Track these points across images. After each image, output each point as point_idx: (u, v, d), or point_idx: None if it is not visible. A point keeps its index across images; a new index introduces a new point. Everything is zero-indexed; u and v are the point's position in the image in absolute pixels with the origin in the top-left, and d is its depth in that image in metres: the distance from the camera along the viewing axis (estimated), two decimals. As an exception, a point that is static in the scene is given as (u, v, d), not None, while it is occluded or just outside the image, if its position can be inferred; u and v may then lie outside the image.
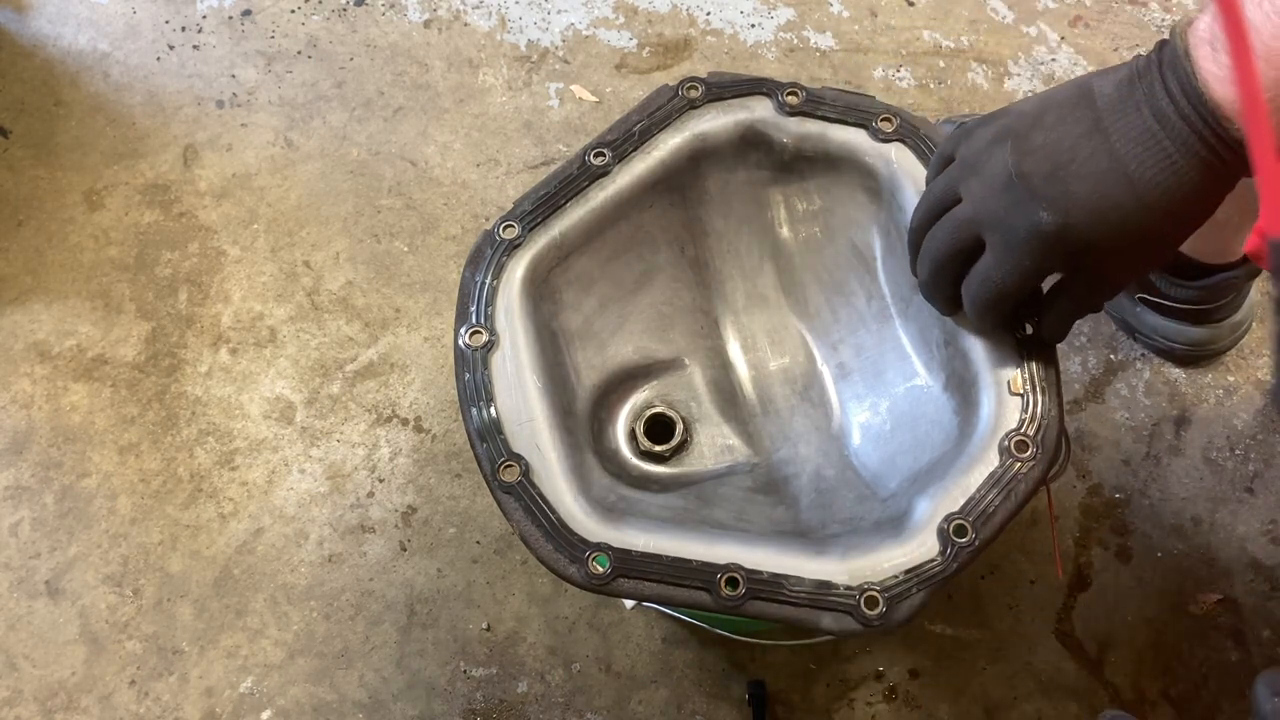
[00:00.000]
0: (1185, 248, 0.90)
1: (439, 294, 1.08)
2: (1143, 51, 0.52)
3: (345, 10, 1.24)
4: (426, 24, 1.23)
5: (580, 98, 1.18)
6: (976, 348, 0.61)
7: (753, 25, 1.23)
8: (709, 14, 1.24)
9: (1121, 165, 0.48)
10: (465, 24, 1.23)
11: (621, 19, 1.23)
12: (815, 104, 0.68)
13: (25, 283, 1.08)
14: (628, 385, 0.73)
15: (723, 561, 0.56)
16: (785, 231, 0.74)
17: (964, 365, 0.62)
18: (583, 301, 0.70)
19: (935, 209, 0.57)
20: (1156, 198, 0.48)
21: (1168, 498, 0.98)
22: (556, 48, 1.22)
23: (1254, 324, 1.02)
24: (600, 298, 0.71)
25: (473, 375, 0.61)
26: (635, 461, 0.72)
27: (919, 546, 0.56)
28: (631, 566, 0.56)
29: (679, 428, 0.72)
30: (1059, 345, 0.61)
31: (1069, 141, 0.50)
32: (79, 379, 1.03)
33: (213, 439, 1.01)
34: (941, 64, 1.20)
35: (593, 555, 0.56)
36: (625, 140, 0.68)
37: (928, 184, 0.60)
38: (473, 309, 0.63)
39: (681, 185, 0.71)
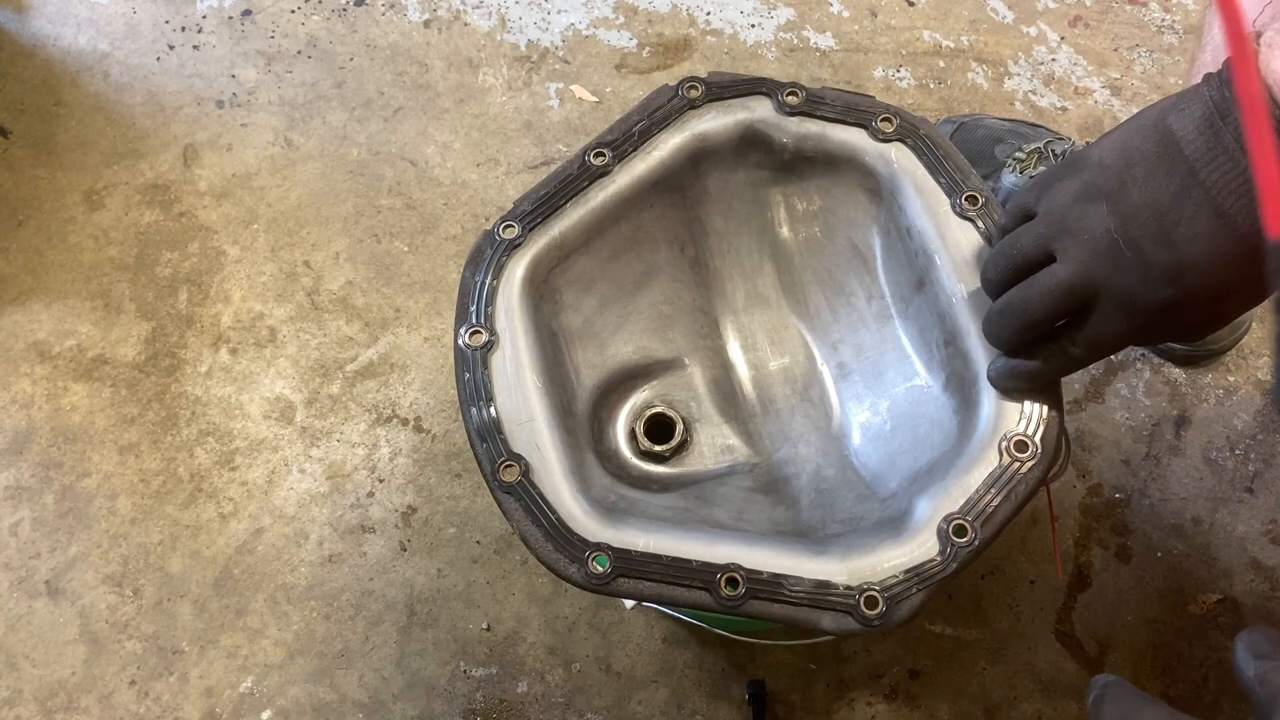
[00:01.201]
0: None
1: (439, 294, 1.08)
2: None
3: (345, 10, 1.24)
4: (426, 24, 1.23)
5: (580, 98, 1.18)
6: (977, 348, 0.61)
7: (753, 25, 1.23)
8: (709, 14, 1.24)
9: (1228, 220, 0.47)
10: (465, 24, 1.23)
11: (621, 19, 1.23)
12: (815, 104, 0.68)
13: (25, 283, 1.08)
14: (628, 385, 0.73)
15: (723, 561, 0.56)
16: (785, 231, 0.74)
17: (964, 365, 0.62)
18: (583, 301, 0.70)
19: (1020, 265, 0.56)
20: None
21: (1168, 498, 0.98)
22: (556, 48, 1.22)
23: (1254, 324, 1.02)
24: (600, 298, 0.71)
25: (473, 375, 0.61)
26: (635, 461, 0.72)
27: (919, 546, 0.56)
28: (631, 566, 0.56)
29: (679, 428, 0.72)
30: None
31: (1167, 199, 0.49)
32: (79, 379, 1.03)
33: (213, 439, 1.01)
34: (941, 64, 1.20)
35: (593, 555, 0.56)
36: (625, 140, 0.68)
37: (1002, 231, 0.59)
38: (473, 309, 0.63)
39: (681, 185, 0.71)
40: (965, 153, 1.06)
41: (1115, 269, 0.51)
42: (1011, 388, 0.59)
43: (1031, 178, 0.55)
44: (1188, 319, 0.52)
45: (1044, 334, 0.56)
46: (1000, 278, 0.57)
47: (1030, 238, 0.55)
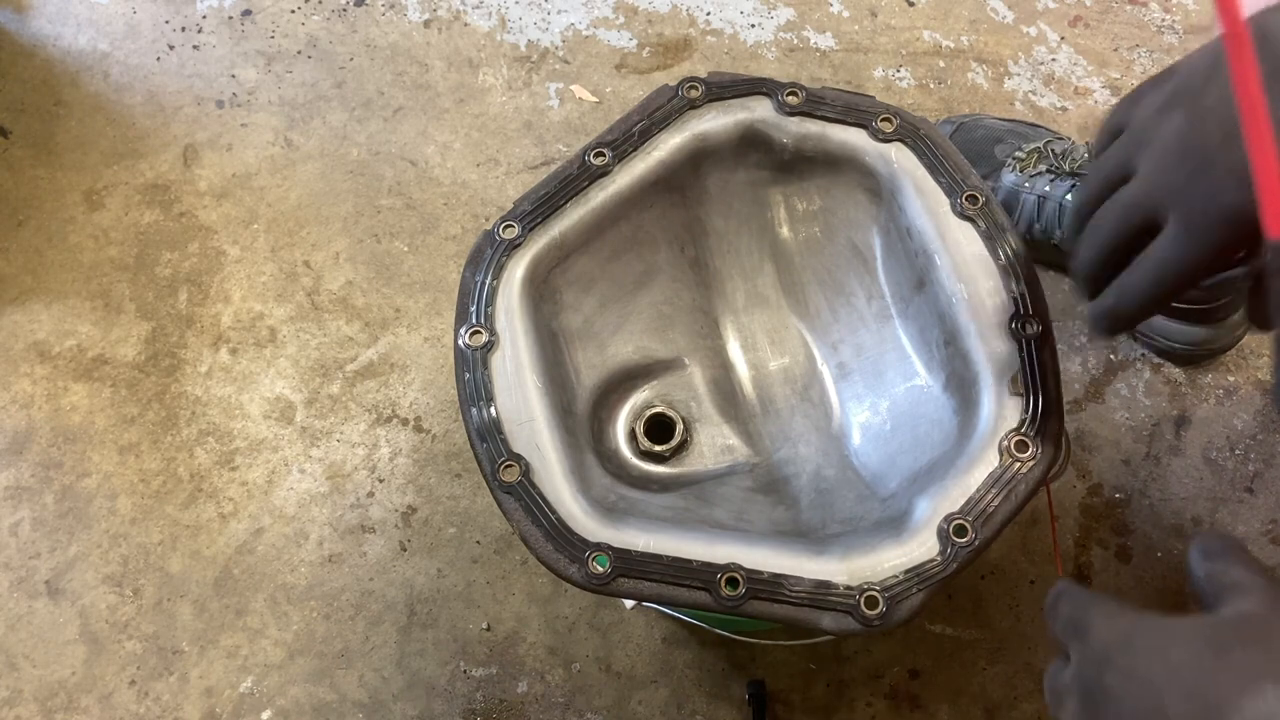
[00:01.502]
0: None
1: (439, 294, 1.08)
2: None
3: (345, 10, 1.24)
4: (426, 24, 1.23)
5: (580, 98, 1.18)
6: (977, 348, 0.61)
7: (753, 25, 1.23)
8: (709, 14, 1.24)
9: None
10: (465, 24, 1.23)
11: (621, 19, 1.23)
12: (815, 104, 0.68)
13: (25, 283, 1.08)
14: (628, 385, 0.73)
15: (723, 561, 0.56)
16: (785, 231, 0.74)
17: (964, 365, 0.62)
18: (583, 301, 0.70)
19: (1103, 188, 0.50)
20: None
21: (1168, 498, 0.98)
22: (556, 48, 1.22)
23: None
24: (600, 298, 0.71)
25: (473, 375, 0.61)
26: (635, 461, 0.72)
27: (919, 546, 0.56)
28: (631, 566, 0.56)
29: (679, 428, 0.72)
30: (1058, 345, 0.60)
31: None
32: (79, 379, 1.03)
33: (213, 439, 1.01)
34: (941, 64, 1.20)
35: (593, 555, 0.56)
36: (625, 140, 0.68)
37: (1095, 157, 0.54)
38: (473, 309, 0.63)
39: (681, 185, 0.71)
40: (965, 152, 1.05)
41: (1180, 178, 0.45)
42: (1093, 331, 0.53)
43: (1130, 91, 0.49)
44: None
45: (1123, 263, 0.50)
46: (1084, 202, 0.52)
47: (1113, 157, 0.50)
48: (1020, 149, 1.03)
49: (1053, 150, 1.01)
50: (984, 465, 0.57)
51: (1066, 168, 0.99)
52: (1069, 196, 0.97)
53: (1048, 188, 0.99)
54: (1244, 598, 0.41)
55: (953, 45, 1.22)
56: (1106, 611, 0.44)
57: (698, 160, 0.70)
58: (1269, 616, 0.39)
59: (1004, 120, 1.09)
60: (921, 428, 0.66)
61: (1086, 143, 1.03)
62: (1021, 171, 1.01)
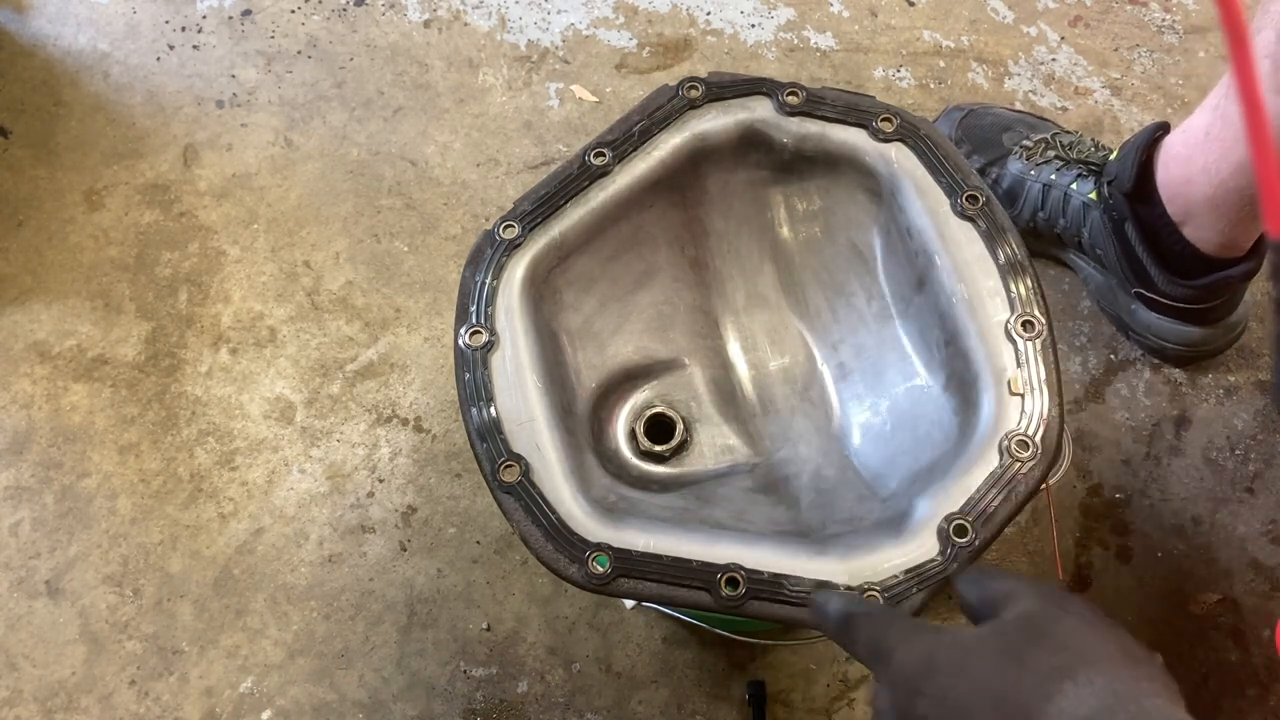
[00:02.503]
0: (1191, 236, 0.90)
1: (439, 294, 1.08)
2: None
3: (345, 10, 1.24)
4: (426, 24, 1.23)
5: (580, 98, 1.18)
6: (977, 348, 0.61)
7: (753, 25, 1.23)
8: (709, 14, 1.24)
9: None
10: (465, 24, 1.23)
11: (621, 19, 1.23)
12: (815, 104, 0.68)
13: (25, 283, 1.08)
14: (628, 385, 0.73)
15: (723, 561, 0.56)
16: (785, 231, 0.74)
17: (964, 365, 0.62)
18: (583, 301, 0.70)
19: None
20: None
21: (1168, 498, 0.98)
22: (556, 48, 1.21)
23: (1250, 324, 1.02)
24: (600, 298, 0.71)
25: (473, 375, 0.61)
26: (635, 461, 0.72)
27: (919, 546, 0.56)
28: (632, 566, 0.56)
29: (679, 428, 0.72)
30: (1059, 345, 0.60)
31: None
32: (79, 379, 1.03)
33: (213, 439, 1.01)
34: (941, 64, 1.20)
35: (593, 555, 0.56)
36: (625, 140, 0.68)
37: None
38: (473, 309, 0.63)
39: (681, 185, 0.71)
40: (973, 138, 1.07)
41: None
42: None
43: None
44: None
45: None
46: None
47: None
48: (1028, 138, 1.04)
49: (1060, 142, 1.02)
50: (984, 465, 0.57)
51: (1074, 156, 1.00)
52: (1074, 185, 0.98)
53: (1054, 175, 1.00)
54: (1018, 601, 0.43)
55: (953, 45, 1.22)
56: (904, 634, 0.44)
57: (698, 160, 0.70)
58: (1045, 611, 0.41)
59: (1012, 110, 1.10)
60: (922, 428, 0.66)
61: (1093, 139, 1.04)
62: (1028, 160, 1.02)
